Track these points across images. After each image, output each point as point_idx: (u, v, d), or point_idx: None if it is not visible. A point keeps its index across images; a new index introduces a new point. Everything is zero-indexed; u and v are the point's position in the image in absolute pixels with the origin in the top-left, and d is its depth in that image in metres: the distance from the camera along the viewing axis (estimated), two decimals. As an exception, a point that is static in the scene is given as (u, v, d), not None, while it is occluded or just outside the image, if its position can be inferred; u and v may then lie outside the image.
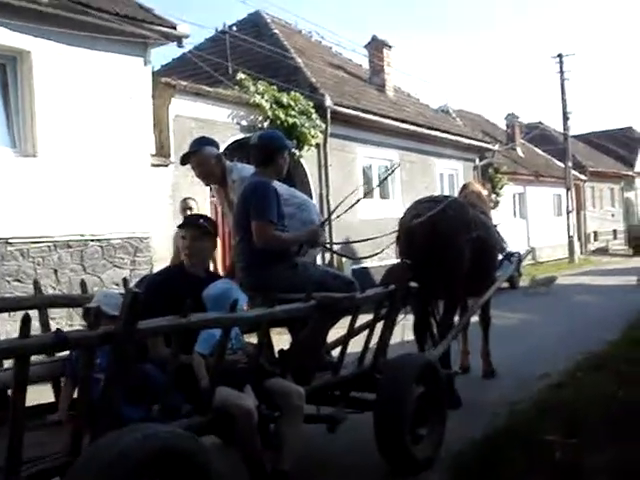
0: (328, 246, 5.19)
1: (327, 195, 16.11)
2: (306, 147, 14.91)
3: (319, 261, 15.84)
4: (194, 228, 4.17)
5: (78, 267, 10.88)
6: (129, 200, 11.16)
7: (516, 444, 5.17)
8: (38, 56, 10.27)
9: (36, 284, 4.73)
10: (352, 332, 4.55)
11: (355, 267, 16.14)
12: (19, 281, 10.13)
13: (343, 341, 4.61)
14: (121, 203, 11.11)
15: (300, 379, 4.27)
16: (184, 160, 5.09)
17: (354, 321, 4.54)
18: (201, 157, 5.02)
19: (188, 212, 7.88)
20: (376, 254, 5.83)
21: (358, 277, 6.39)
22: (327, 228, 16.08)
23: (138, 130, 11.64)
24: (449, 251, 6.17)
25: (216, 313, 3.52)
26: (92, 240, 10.96)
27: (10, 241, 10.00)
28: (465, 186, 8.29)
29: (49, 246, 10.54)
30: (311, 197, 15.87)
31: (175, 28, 11.88)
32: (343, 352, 4.56)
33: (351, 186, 17.05)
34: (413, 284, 5.13)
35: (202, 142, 5.16)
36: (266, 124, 14.22)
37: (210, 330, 3.62)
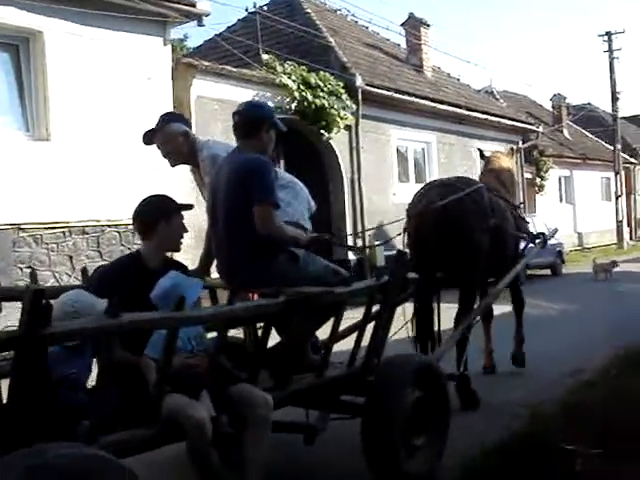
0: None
1: (359, 179, 15.61)
2: (335, 129, 14.38)
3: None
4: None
5: (94, 253, 10.59)
6: (147, 184, 10.75)
7: (533, 452, 4.65)
8: (51, 36, 9.95)
9: (32, 274, 4.30)
10: (336, 332, 4.03)
11: (388, 254, 15.59)
12: (32, 268, 9.84)
13: (327, 341, 4.11)
14: (139, 187, 10.69)
15: (278, 381, 3.82)
16: (148, 139, 4.61)
17: (338, 319, 4.03)
18: (166, 134, 4.54)
19: None
20: (383, 243, 5.31)
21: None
22: (359, 214, 15.66)
23: (157, 112, 11.10)
24: (465, 242, 5.64)
25: (155, 313, 3.08)
26: (109, 226, 10.64)
27: (23, 227, 9.73)
28: (487, 162, 7.57)
29: (64, 232, 10.25)
30: (342, 180, 15.43)
31: (195, 6, 11.45)
32: (327, 352, 4.07)
33: (385, 170, 16.56)
34: (412, 275, 4.62)
35: (168, 118, 4.69)
36: (293, 105, 13.76)
37: (163, 331, 3.17)
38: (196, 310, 3.31)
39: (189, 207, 3.85)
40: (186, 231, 3.82)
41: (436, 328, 5.98)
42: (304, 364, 4.08)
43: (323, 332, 4.27)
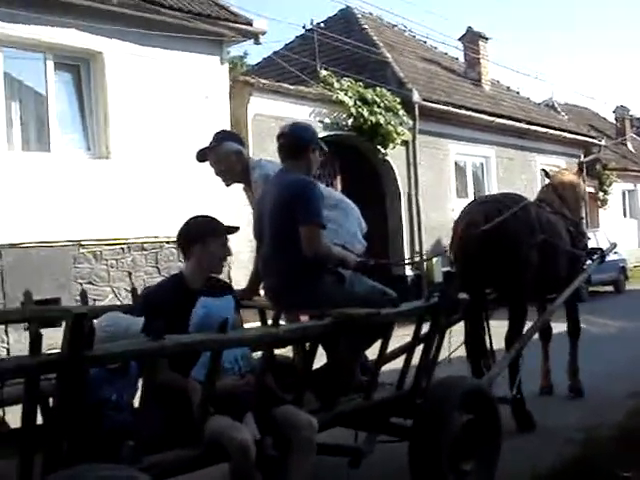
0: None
1: (416, 195, 15.49)
2: (392, 145, 14.32)
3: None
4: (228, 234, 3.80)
5: (153, 269, 10.75)
6: (205, 201, 10.90)
7: (586, 478, 4.53)
8: (110, 57, 10.20)
9: (82, 294, 4.35)
10: (383, 353, 3.98)
11: (446, 270, 15.46)
12: (92, 284, 10.06)
13: (375, 363, 4.06)
14: (196, 204, 10.82)
15: (324, 403, 3.79)
16: (201, 156, 4.62)
17: (386, 340, 3.98)
18: (219, 153, 4.55)
19: None
20: (430, 258, 5.24)
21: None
22: (416, 230, 15.53)
23: (215, 130, 11.33)
24: (509, 259, 5.52)
25: (198, 335, 3.08)
26: (167, 242, 10.77)
27: (83, 243, 9.94)
28: (549, 178, 7.43)
29: (123, 248, 10.44)
30: (399, 196, 15.35)
31: (251, 24, 11.59)
32: (375, 374, 4.02)
33: (442, 185, 16.42)
34: (463, 295, 4.54)
35: (222, 137, 4.69)
36: (350, 121, 13.78)
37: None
38: (239, 332, 3.31)
39: (233, 230, 3.83)
40: (229, 254, 3.76)
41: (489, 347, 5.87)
42: (351, 386, 4.05)
43: (373, 352, 4.23)
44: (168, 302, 3.47)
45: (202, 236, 3.68)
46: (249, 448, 3.09)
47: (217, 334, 3.00)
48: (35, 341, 2.47)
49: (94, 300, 9.92)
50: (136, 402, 3.26)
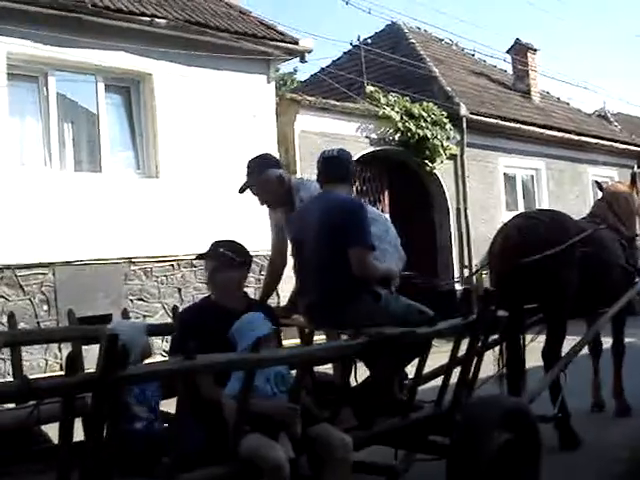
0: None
1: (465, 209, 15.38)
2: (439, 159, 14.28)
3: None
4: (213, 259, 3.83)
5: (202, 286, 10.84)
6: (253, 218, 11.01)
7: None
8: (159, 78, 10.42)
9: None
10: (421, 372, 3.99)
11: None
12: (142, 300, 10.26)
13: (412, 382, 4.07)
14: (245, 221, 10.97)
15: (361, 421, 3.81)
16: (242, 190, 4.72)
17: (423, 359, 3.99)
18: (262, 183, 4.61)
19: None
20: (473, 274, 5.22)
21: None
22: (465, 244, 15.42)
23: (263, 148, 11.45)
24: (546, 277, 5.47)
25: (230, 354, 3.14)
26: (216, 259, 10.91)
27: (134, 260, 10.15)
28: (602, 191, 7.32)
29: (172, 265, 10.62)
30: (447, 211, 15.27)
31: (297, 43, 11.72)
32: (412, 393, 4.03)
33: (492, 198, 16.28)
34: (502, 313, 4.52)
35: (260, 165, 4.70)
36: (397, 136, 13.79)
37: None
38: (272, 351, 3.35)
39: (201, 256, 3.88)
40: (208, 279, 3.85)
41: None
42: (389, 404, 4.05)
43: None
44: (202, 321, 3.55)
45: (246, 261, 3.86)
46: (283, 467, 3.13)
47: (249, 353, 3.06)
48: (72, 361, 2.56)
49: (144, 316, 10.13)
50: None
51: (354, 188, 4.59)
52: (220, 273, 3.76)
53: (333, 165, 4.39)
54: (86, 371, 3.06)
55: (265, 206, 4.78)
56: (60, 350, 9.08)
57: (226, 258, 3.81)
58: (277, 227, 4.86)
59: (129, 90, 10.51)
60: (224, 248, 3.85)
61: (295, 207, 4.63)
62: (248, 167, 4.71)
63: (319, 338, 4.16)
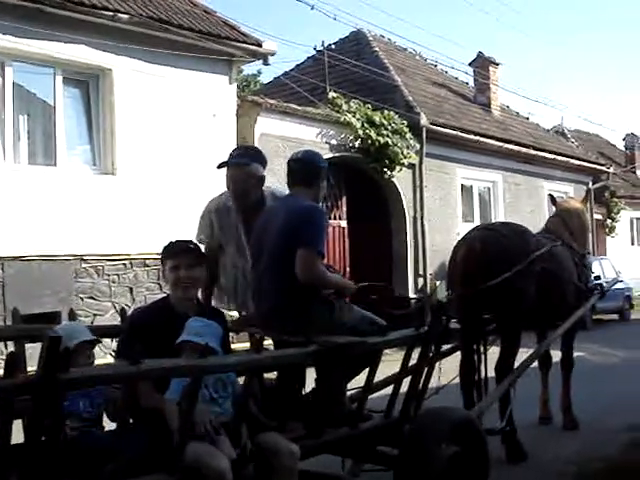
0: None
1: (422, 218, 15.49)
2: (398, 167, 14.34)
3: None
4: (189, 254, 3.72)
5: (154, 286, 10.74)
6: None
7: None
8: (119, 73, 10.28)
9: (71, 313, 4.19)
10: (371, 382, 3.97)
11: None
12: (93, 298, 10.08)
13: (362, 392, 4.04)
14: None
15: (310, 431, 3.77)
16: (222, 166, 4.47)
17: (373, 369, 3.96)
18: (244, 173, 4.39)
19: None
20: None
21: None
22: (421, 253, 15.49)
23: (221, 149, 11.38)
24: (505, 287, 5.49)
25: (178, 360, 3.07)
26: (170, 259, 10.78)
27: (85, 258, 9.97)
28: (556, 207, 7.40)
29: (125, 264, 10.46)
30: (404, 219, 15.35)
31: (261, 45, 11.67)
32: (362, 403, 4.00)
33: (449, 209, 16.41)
34: (454, 323, 4.52)
35: (249, 156, 4.52)
36: (357, 143, 13.82)
37: None
38: (220, 358, 3.29)
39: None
40: (180, 278, 3.62)
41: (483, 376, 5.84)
42: (338, 414, 4.02)
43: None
44: (153, 325, 3.46)
45: (162, 260, 3.73)
46: (225, 476, 3.07)
47: (197, 359, 3.00)
48: (12, 362, 2.48)
49: (94, 315, 9.97)
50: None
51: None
52: (193, 270, 3.65)
53: (296, 169, 4.29)
54: (29, 371, 2.97)
55: (233, 198, 4.57)
56: (6, 347, 8.85)
57: (199, 253, 3.75)
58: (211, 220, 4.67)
59: (88, 84, 10.33)
60: (190, 243, 3.78)
61: (252, 212, 4.53)
62: (239, 148, 4.55)
63: (270, 343, 4.09)
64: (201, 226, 4.69)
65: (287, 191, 4.41)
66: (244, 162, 4.44)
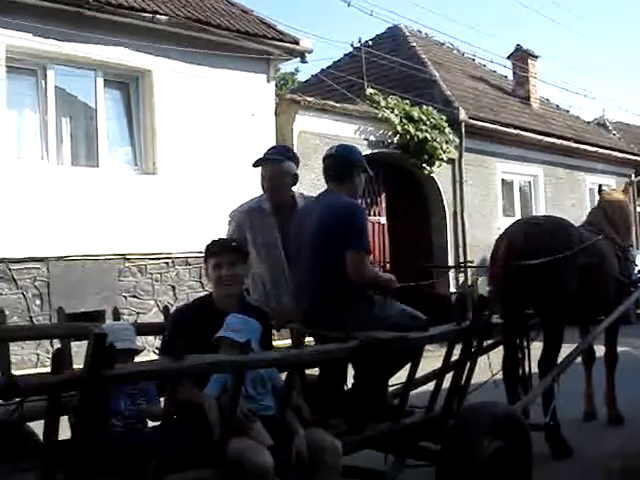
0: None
1: (462, 212, 15.38)
2: (437, 162, 14.27)
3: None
4: (232, 252, 3.75)
5: (196, 284, 10.85)
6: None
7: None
8: (159, 75, 10.39)
9: (60, 312, 4.19)
10: (412, 378, 3.97)
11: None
12: (136, 297, 10.21)
13: (404, 387, 4.04)
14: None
15: (352, 426, 3.78)
16: (258, 164, 4.55)
17: (415, 365, 3.96)
18: (278, 169, 4.47)
19: None
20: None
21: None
22: (461, 249, 15.40)
23: (260, 147, 11.41)
24: (549, 282, 5.44)
25: (219, 355, 3.11)
26: (211, 257, 10.87)
27: (128, 257, 10.11)
28: (599, 199, 7.33)
29: (167, 262, 10.58)
30: (444, 215, 15.27)
31: (298, 43, 11.70)
32: (403, 399, 4.00)
33: (489, 204, 16.27)
34: (496, 318, 4.49)
35: (286, 154, 4.61)
36: (395, 139, 13.78)
37: None
38: (261, 353, 3.31)
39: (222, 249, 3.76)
40: (221, 276, 3.66)
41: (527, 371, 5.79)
42: (380, 409, 4.02)
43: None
44: (195, 322, 3.51)
45: (205, 258, 3.76)
46: (268, 472, 3.09)
47: (238, 355, 3.03)
48: (58, 358, 2.53)
49: (137, 313, 10.10)
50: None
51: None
52: (237, 268, 3.68)
53: (330, 165, 4.31)
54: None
55: (268, 195, 4.60)
56: (52, 345, 9.02)
57: (242, 251, 3.80)
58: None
59: (128, 86, 10.47)
60: (236, 244, 3.84)
61: (284, 212, 4.57)
62: (273, 147, 4.61)
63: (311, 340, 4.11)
64: (228, 231, 4.75)
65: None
66: (279, 159, 4.51)
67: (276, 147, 4.68)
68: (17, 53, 9.25)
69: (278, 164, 4.49)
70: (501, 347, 5.73)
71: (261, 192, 4.63)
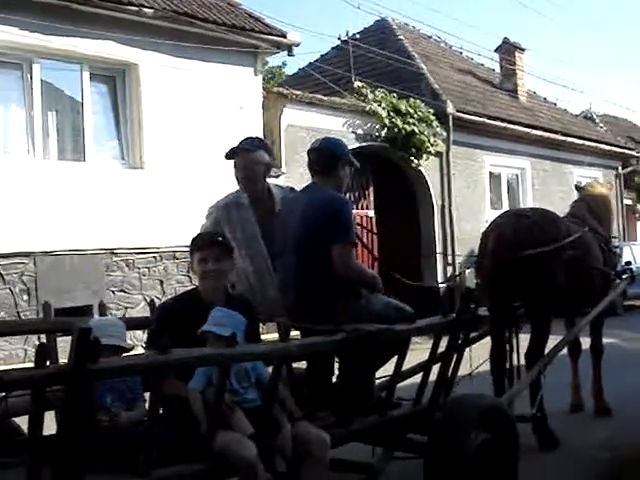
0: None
1: (449, 205, 15.43)
2: (425, 155, 14.28)
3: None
4: (218, 247, 3.74)
5: (184, 278, 10.82)
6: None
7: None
8: (145, 68, 10.36)
9: (46, 306, 4.18)
10: (399, 370, 3.98)
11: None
12: (124, 292, 10.19)
13: (391, 379, 4.05)
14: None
15: (339, 419, 3.79)
16: (231, 155, 4.50)
17: (401, 357, 3.96)
18: (251, 159, 4.44)
19: None
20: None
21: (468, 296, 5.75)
22: (449, 241, 15.44)
23: (248, 140, 11.49)
24: (536, 274, 5.46)
25: (205, 349, 3.11)
26: (198, 251, 10.85)
27: (115, 251, 10.08)
28: (580, 191, 7.37)
29: (155, 257, 10.56)
30: (432, 208, 15.30)
31: (285, 36, 11.69)
32: (390, 391, 4.01)
33: (476, 196, 16.31)
34: (483, 311, 4.50)
35: (257, 144, 4.60)
36: (383, 132, 13.79)
37: None
38: (247, 347, 3.31)
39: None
40: (207, 270, 3.64)
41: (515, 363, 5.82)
42: (367, 402, 4.03)
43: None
44: (181, 315, 3.50)
45: (190, 252, 3.75)
46: (255, 465, 3.10)
47: (224, 349, 3.02)
48: (42, 352, 2.52)
49: (125, 308, 10.08)
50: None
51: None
52: (222, 262, 3.67)
53: (314, 159, 4.29)
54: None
55: (242, 186, 4.59)
56: (40, 340, 8.99)
57: (227, 246, 3.78)
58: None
59: (115, 79, 10.44)
60: (222, 238, 3.82)
61: (275, 207, 4.55)
62: (245, 139, 4.60)
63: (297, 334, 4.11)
64: (203, 226, 4.71)
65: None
66: (251, 149, 4.51)
67: (247, 138, 4.66)
68: (2, 47, 9.20)
69: (250, 153, 4.49)
70: (480, 341, 5.74)
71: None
